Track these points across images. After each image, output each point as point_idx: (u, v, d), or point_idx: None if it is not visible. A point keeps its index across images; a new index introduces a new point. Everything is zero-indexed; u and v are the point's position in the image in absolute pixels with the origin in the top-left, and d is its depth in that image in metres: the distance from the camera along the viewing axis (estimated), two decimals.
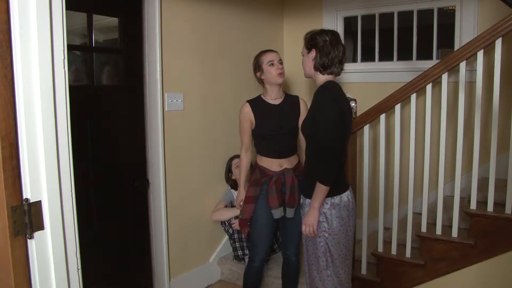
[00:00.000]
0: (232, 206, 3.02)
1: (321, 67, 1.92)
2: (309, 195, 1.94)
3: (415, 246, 2.49)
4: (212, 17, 2.89)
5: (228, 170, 3.06)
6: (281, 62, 2.33)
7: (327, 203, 1.90)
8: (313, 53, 1.93)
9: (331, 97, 1.85)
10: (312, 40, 1.93)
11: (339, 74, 1.98)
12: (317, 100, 1.89)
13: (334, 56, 1.89)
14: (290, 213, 2.28)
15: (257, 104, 2.37)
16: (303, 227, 1.93)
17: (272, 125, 2.32)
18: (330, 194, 1.89)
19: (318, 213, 1.89)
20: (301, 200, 2.07)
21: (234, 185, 3.07)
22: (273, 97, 2.36)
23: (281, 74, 2.29)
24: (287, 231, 2.40)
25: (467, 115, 2.48)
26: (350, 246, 1.99)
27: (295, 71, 3.37)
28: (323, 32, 1.93)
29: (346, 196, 1.94)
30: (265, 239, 2.41)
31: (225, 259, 3.08)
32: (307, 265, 2.04)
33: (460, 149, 2.26)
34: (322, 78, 1.95)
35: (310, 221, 1.89)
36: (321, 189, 1.85)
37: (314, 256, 1.97)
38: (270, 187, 2.28)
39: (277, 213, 2.29)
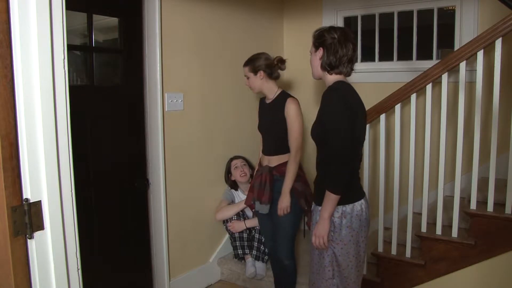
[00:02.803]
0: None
1: (328, 67, 1.80)
2: (320, 202, 1.82)
3: (415, 246, 2.49)
4: (212, 17, 2.89)
5: (228, 171, 3.05)
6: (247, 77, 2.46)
7: (337, 211, 1.78)
8: (320, 51, 1.80)
9: (339, 99, 1.72)
10: (320, 38, 1.81)
11: (349, 75, 1.85)
12: (324, 102, 1.77)
13: (342, 55, 1.76)
14: (261, 208, 2.39)
15: (260, 101, 2.56)
16: (313, 238, 1.82)
17: (260, 122, 2.52)
18: (342, 202, 1.76)
19: (328, 224, 1.76)
20: (312, 206, 1.98)
21: (233, 185, 3.07)
22: (268, 97, 2.45)
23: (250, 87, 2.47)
24: (262, 228, 2.61)
25: (467, 115, 2.48)
26: (361, 257, 1.86)
27: (296, 71, 3.38)
28: (331, 29, 1.80)
29: (359, 205, 1.80)
30: (262, 229, 2.66)
31: (225, 259, 3.08)
32: (310, 273, 1.95)
33: (460, 149, 2.26)
34: (331, 78, 1.82)
35: (319, 232, 1.77)
36: (330, 198, 1.73)
37: (319, 265, 1.86)
38: (254, 181, 2.48)
39: (256, 206, 2.44)
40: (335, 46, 1.77)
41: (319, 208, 1.83)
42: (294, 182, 2.29)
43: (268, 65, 2.36)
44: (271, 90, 2.40)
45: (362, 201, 1.83)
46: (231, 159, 3.06)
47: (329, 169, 1.74)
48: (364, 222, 1.83)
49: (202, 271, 2.96)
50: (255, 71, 2.38)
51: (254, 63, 2.39)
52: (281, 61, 2.38)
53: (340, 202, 1.76)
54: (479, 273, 2.28)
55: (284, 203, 2.27)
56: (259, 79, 2.38)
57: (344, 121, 1.69)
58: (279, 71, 2.42)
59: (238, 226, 2.92)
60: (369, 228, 1.91)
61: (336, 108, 1.71)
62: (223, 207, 2.97)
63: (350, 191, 1.79)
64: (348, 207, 1.78)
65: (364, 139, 1.91)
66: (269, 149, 2.40)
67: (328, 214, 1.76)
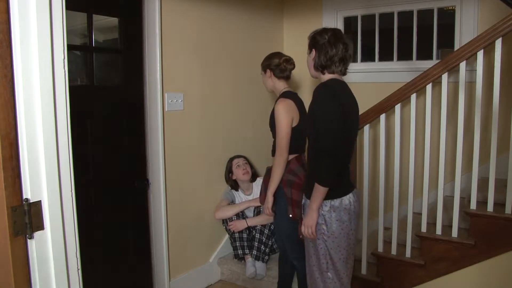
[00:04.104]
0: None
1: (320, 67, 1.88)
2: (309, 195, 1.91)
3: (415, 246, 2.49)
4: (212, 17, 2.89)
5: (229, 171, 3.05)
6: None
7: (326, 206, 1.86)
8: (313, 53, 1.90)
9: (329, 95, 1.79)
10: (313, 40, 1.91)
11: (344, 74, 1.92)
12: (315, 98, 1.84)
13: (333, 55, 1.84)
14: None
15: None
16: (302, 228, 1.91)
17: None
18: (330, 197, 1.84)
19: (317, 214, 1.85)
20: (303, 201, 2.05)
21: (234, 185, 3.07)
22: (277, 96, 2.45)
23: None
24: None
25: (467, 115, 2.48)
26: (351, 250, 1.95)
27: (295, 71, 3.37)
28: (323, 31, 1.89)
29: (347, 198, 1.88)
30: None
31: (225, 259, 3.08)
32: (307, 265, 2.01)
33: (460, 149, 2.26)
34: (325, 78, 1.90)
35: (308, 222, 1.87)
36: (318, 190, 1.81)
37: (315, 257, 1.94)
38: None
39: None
40: (326, 47, 1.85)
41: (309, 201, 1.91)
42: (285, 188, 2.27)
43: (276, 64, 2.37)
44: (278, 90, 2.42)
45: (350, 195, 1.91)
46: (233, 158, 3.06)
47: (319, 163, 1.81)
48: (353, 215, 1.91)
49: (202, 271, 2.96)
50: (264, 70, 2.44)
51: (264, 61, 2.44)
52: (286, 61, 2.38)
53: (329, 197, 1.84)
54: (479, 273, 2.28)
55: (266, 203, 2.33)
56: (267, 77, 2.43)
57: (334, 117, 1.76)
58: (291, 71, 2.42)
59: (240, 225, 2.92)
60: (358, 221, 1.99)
61: (326, 104, 1.78)
62: (223, 206, 2.97)
63: (339, 186, 1.86)
64: (336, 201, 1.86)
65: (356, 135, 1.99)
66: (272, 150, 2.39)
67: (316, 205, 1.84)
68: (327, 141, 1.76)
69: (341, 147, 1.79)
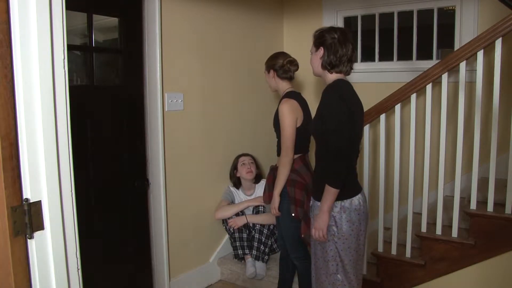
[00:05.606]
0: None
1: (328, 66, 1.86)
2: (318, 197, 1.89)
3: (415, 246, 2.49)
4: (212, 17, 2.89)
5: (234, 167, 3.06)
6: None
7: (336, 207, 1.84)
8: (321, 51, 1.87)
9: (338, 96, 1.79)
10: (320, 38, 1.87)
11: (348, 73, 1.91)
12: (324, 100, 1.84)
13: (342, 54, 1.83)
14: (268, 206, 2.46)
15: None
16: (313, 231, 1.87)
17: None
18: (340, 197, 1.82)
19: (327, 217, 1.82)
20: (311, 202, 2.03)
21: (237, 183, 3.07)
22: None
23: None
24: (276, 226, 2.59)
25: (467, 115, 2.48)
26: (361, 251, 1.93)
27: (297, 71, 3.37)
28: (331, 29, 1.86)
29: (357, 199, 1.86)
30: (276, 226, 2.69)
31: (225, 259, 3.08)
32: (314, 268, 1.98)
33: (460, 149, 2.26)
34: (331, 77, 1.89)
35: (319, 225, 1.83)
36: (329, 192, 1.79)
37: (322, 260, 1.90)
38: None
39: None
40: (335, 46, 1.83)
41: (317, 203, 1.89)
42: (288, 187, 2.27)
43: (279, 65, 2.37)
44: (281, 90, 2.42)
45: (360, 195, 1.89)
46: (239, 156, 3.06)
47: (329, 165, 1.80)
48: (363, 216, 1.89)
49: (202, 271, 2.96)
50: (268, 70, 2.44)
51: (269, 61, 2.44)
52: (290, 62, 2.38)
53: (339, 198, 1.82)
54: (479, 273, 2.28)
55: (273, 203, 2.31)
56: (271, 77, 2.43)
57: (342, 118, 1.75)
58: (294, 72, 2.41)
59: (240, 221, 2.92)
60: (368, 221, 1.97)
61: (334, 105, 1.78)
62: (222, 206, 2.97)
63: (348, 186, 1.84)
64: (346, 202, 1.84)
65: (362, 135, 1.98)
66: (277, 150, 2.38)
67: (327, 207, 1.82)
68: (336, 142, 1.75)
69: (350, 147, 1.79)
